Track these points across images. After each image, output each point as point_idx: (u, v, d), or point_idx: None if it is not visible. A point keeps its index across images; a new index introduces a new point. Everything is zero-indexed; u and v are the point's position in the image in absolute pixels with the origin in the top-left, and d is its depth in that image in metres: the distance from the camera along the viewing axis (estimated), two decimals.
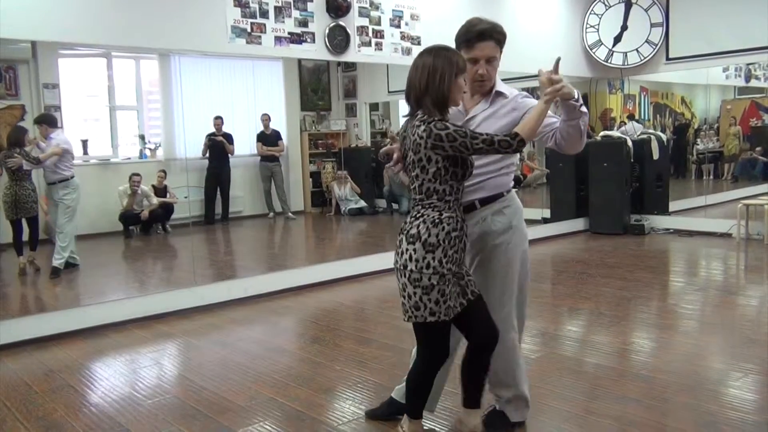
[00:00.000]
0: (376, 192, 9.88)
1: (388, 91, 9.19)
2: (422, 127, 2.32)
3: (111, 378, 3.77)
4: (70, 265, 6.17)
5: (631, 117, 9.67)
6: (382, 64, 7.78)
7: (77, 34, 4.76)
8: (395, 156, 2.63)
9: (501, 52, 2.59)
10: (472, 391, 2.55)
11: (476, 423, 2.57)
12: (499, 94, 2.61)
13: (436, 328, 2.41)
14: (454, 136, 2.29)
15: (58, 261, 5.97)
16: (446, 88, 2.34)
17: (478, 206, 2.61)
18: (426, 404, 2.60)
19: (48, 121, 6.21)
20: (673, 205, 8.71)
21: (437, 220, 2.36)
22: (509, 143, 2.32)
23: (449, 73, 2.33)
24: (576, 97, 2.39)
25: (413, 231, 2.37)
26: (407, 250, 2.37)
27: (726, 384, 3.35)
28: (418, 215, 2.39)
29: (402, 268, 2.39)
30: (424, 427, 2.65)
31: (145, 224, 8.30)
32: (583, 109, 2.43)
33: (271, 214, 9.25)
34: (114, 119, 8.96)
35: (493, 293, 2.59)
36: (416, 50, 6.67)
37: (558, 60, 2.39)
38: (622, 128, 9.21)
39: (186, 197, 7.97)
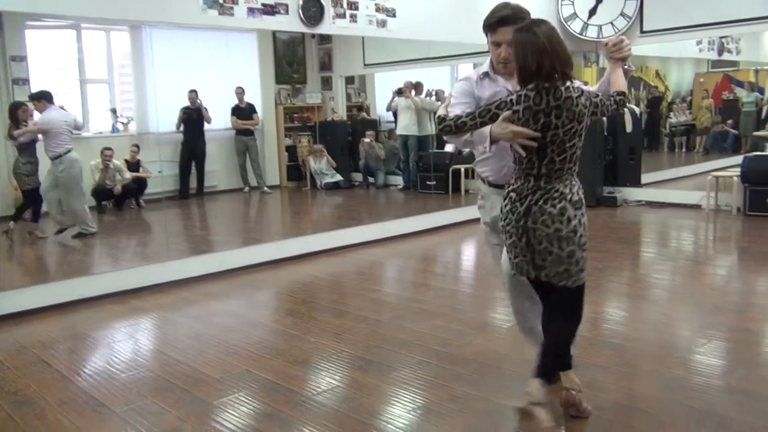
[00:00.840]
0: (352, 166, 9.86)
1: (364, 64, 9.12)
2: (583, 97, 2.45)
3: (85, 353, 3.76)
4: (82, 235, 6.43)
5: None
6: (358, 37, 7.72)
7: (44, 4, 4.64)
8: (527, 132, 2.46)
9: None
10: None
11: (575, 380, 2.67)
12: None
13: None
14: (603, 100, 2.54)
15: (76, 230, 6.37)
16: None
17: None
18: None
19: (39, 97, 6.37)
20: (645, 178, 8.82)
21: (579, 186, 2.56)
22: (622, 101, 2.58)
23: None
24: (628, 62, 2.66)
25: (576, 198, 2.49)
26: (575, 215, 2.46)
27: (692, 350, 3.44)
28: (574, 182, 2.53)
29: (572, 233, 2.45)
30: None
31: (118, 199, 8.21)
32: (632, 69, 2.68)
33: (247, 188, 9.20)
34: (84, 93, 8.79)
35: None
36: (391, 22, 6.62)
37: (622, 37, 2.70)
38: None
39: (160, 172, 7.89)
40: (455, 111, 2.68)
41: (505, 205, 2.57)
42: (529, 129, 2.42)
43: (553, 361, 2.59)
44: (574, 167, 2.53)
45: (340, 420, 2.77)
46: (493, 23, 2.66)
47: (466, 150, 2.83)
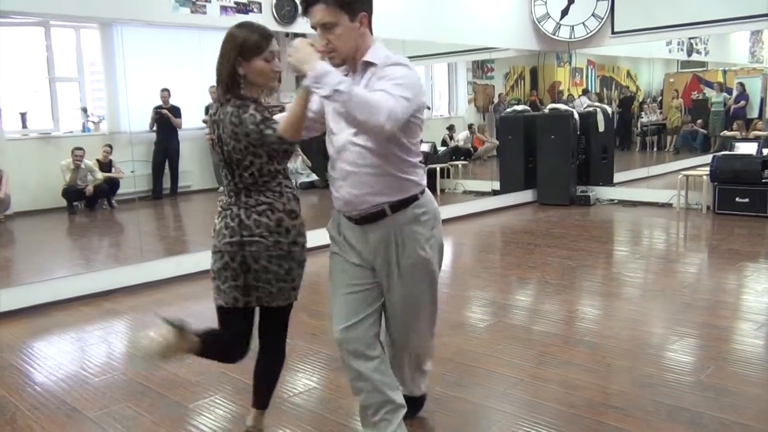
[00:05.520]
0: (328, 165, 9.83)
1: None
2: (232, 115, 2.17)
3: (56, 357, 3.69)
4: None
5: (585, 92, 9.88)
6: None
7: (12, 1, 4.55)
8: None
9: (352, 14, 2.08)
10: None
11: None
12: (368, 64, 2.13)
13: None
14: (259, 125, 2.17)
15: None
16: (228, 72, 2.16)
17: (389, 212, 2.18)
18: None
19: None
20: (618, 177, 8.95)
21: (271, 207, 2.26)
22: (272, 139, 2.11)
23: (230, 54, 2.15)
24: (312, 73, 1.89)
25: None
26: (292, 227, 2.26)
27: (664, 347, 3.50)
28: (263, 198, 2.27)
29: (292, 244, 2.26)
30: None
31: (89, 200, 8.10)
32: (322, 90, 1.87)
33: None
34: (54, 91, 8.66)
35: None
36: None
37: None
38: (576, 101, 9.40)
39: (132, 171, 7.80)
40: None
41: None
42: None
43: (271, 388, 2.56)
44: (268, 182, 2.22)
45: (318, 421, 2.76)
46: (302, 7, 2.11)
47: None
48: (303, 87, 1.97)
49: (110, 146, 8.32)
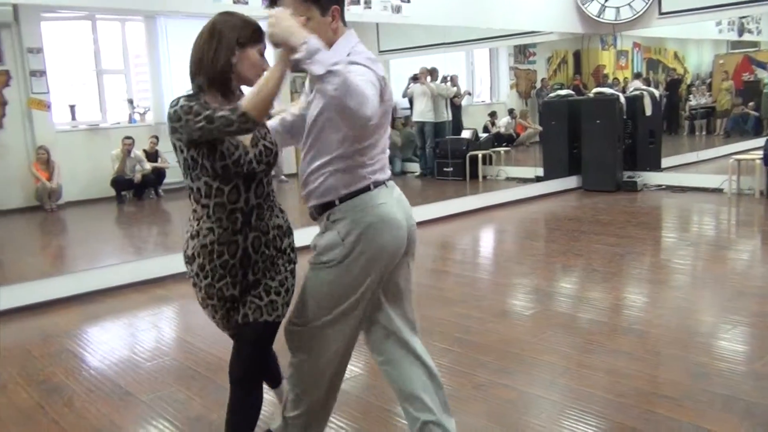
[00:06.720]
0: None
1: (379, 51, 9.07)
2: (173, 110, 1.83)
3: (109, 342, 3.80)
4: None
5: (637, 76, 9.66)
6: (372, 23, 7.67)
7: None
8: None
9: (323, 8, 1.90)
10: None
11: None
12: None
13: None
14: (186, 115, 1.80)
15: None
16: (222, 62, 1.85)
17: (316, 216, 2.15)
18: None
19: None
20: (666, 162, 8.73)
21: (194, 232, 1.97)
22: (229, 120, 1.74)
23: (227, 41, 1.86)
24: (300, 46, 1.64)
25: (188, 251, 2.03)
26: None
27: (716, 336, 3.42)
28: (196, 226, 1.99)
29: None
30: None
31: (137, 189, 8.29)
32: (315, 67, 1.61)
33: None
34: (101, 83, 8.86)
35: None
36: (406, 8, 6.57)
37: None
38: (628, 85, 9.21)
39: (178, 161, 7.95)
40: None
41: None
42: None
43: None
44: (198, 209, 1.95)
45: (364, 407, 2.79)
46: None
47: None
48: (281, 59, 1.71)
49: (156, 137, 8.48)
